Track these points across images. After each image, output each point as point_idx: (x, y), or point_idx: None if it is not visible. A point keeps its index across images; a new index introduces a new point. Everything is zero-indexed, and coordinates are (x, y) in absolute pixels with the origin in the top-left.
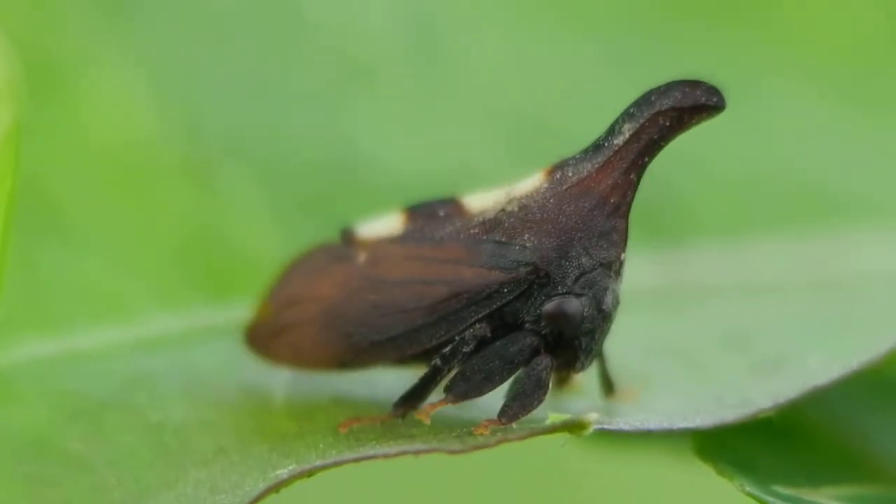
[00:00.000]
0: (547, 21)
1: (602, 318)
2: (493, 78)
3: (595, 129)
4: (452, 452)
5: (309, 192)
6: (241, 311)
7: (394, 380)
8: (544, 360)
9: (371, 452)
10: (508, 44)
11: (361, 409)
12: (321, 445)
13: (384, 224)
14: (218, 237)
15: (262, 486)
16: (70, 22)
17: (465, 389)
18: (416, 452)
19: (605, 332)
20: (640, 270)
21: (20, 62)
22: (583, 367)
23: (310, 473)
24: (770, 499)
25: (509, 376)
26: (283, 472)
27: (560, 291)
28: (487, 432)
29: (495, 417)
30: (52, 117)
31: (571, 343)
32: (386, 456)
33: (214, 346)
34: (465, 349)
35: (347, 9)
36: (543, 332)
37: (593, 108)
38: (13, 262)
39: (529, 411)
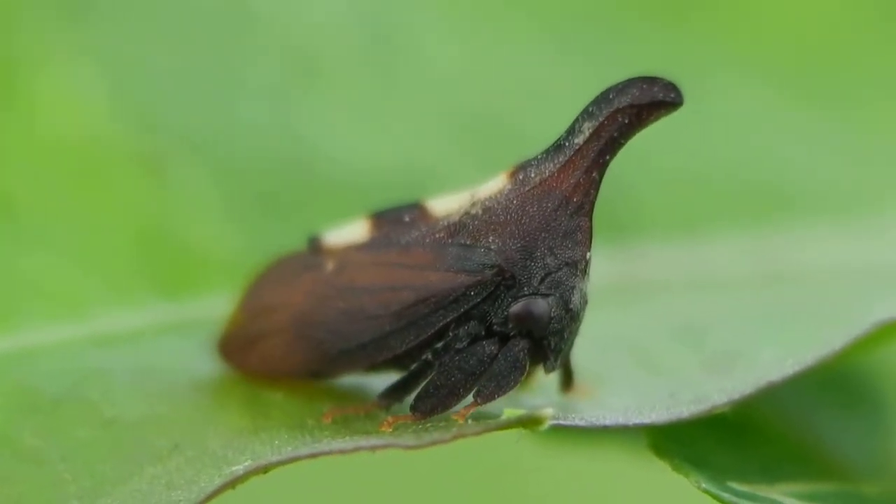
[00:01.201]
0: (499, 17)
1: (570, 317)
2: (448, 74)
3: (547, 124)
4: (408, 448)
5: (263, 188)
6: (196, 306)
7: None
8: (521, 342)
9: (326, 448)
10: (463, 39)
11: (343, 400)
12: (276, 442)
13: (351, 231)
14: (172, 233)
15: (217, 482)
16: (24, 19)
17: (432, 406)
18: (372, 448)
19: (574, 332)
20: (593, 266)
21: None
22: (553, 367)
23: (265, 469)
24: (725, 495)
25: (473, 388)
26: (238, 469)
27: (526, 293)
28: (462, 420)
29: (471, 399)
30: (5, 113)
31: (541, 343)
32: (341, 452)
33: (169, 341)
34: (458, 346)
35: (301, 4)
36: (512, 334)
37: (546, 104)
38: None
39: (506, 392)
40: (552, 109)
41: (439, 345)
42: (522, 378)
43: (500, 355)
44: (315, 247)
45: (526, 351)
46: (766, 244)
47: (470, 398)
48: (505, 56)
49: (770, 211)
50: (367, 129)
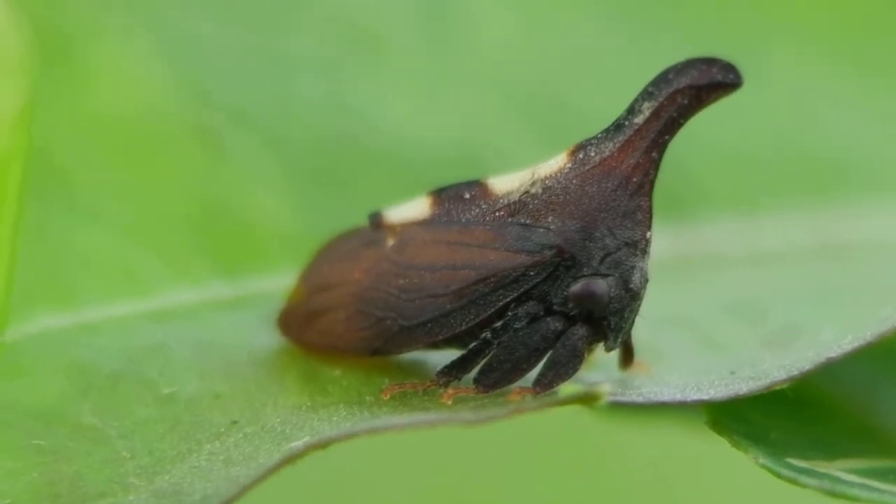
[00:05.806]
0: None
1: (630, 297)
2: (506, 48)
3: (605, 99)
4: (466, 423)
5: (320, 163)
6: (254, 282)
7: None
8: (580, 330)
9: (384, 424)
10: (521, 13)
11: (402, 377)
12: (335, 418)
13: (411, 208)
14: (229, 208)
15: (276, 457)
16: None
17: (495, 379)
18: (430, 424)
19: (634, 311)
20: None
21: (31, 34)
22: (614, 346)
23: (324, 445)
24: (784, 471)
25: (536, 364)
26: (297, 445)
27: (586, 273)
28: (519, 397)
29: (530, 386)
30: (62, 88)
31: (601, 323)
32: (400, 427)
33: (226, 317)
34: (518, 325)
35: None
36: (572, 314)
37: (603, 78)
38: (24, 235)
39: (564, 380)
40: (609, 84)
41: (499, 324)
42: (581, 366)
43: (559, 344)
44: (376, 223)
45: (585, 339)
46: (824, 219)
47: (532, 375)
48: (563, 29)
49: (829, 186)
50: (425, 104)
